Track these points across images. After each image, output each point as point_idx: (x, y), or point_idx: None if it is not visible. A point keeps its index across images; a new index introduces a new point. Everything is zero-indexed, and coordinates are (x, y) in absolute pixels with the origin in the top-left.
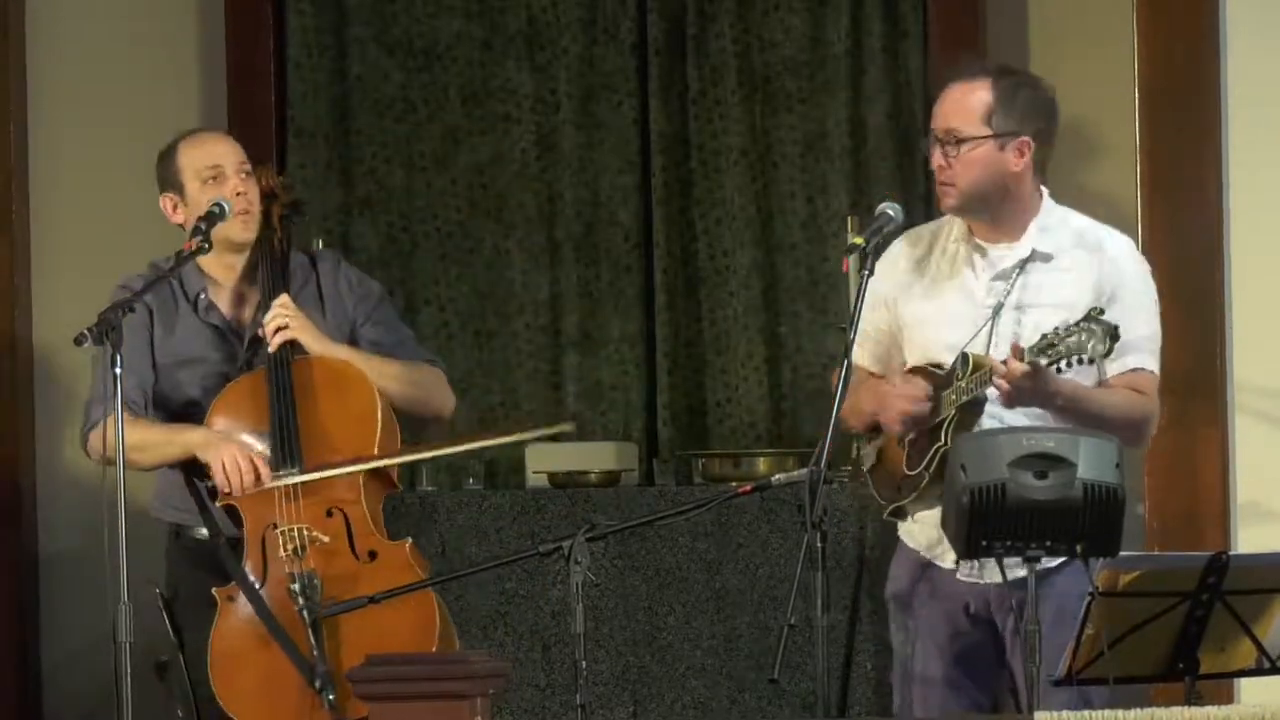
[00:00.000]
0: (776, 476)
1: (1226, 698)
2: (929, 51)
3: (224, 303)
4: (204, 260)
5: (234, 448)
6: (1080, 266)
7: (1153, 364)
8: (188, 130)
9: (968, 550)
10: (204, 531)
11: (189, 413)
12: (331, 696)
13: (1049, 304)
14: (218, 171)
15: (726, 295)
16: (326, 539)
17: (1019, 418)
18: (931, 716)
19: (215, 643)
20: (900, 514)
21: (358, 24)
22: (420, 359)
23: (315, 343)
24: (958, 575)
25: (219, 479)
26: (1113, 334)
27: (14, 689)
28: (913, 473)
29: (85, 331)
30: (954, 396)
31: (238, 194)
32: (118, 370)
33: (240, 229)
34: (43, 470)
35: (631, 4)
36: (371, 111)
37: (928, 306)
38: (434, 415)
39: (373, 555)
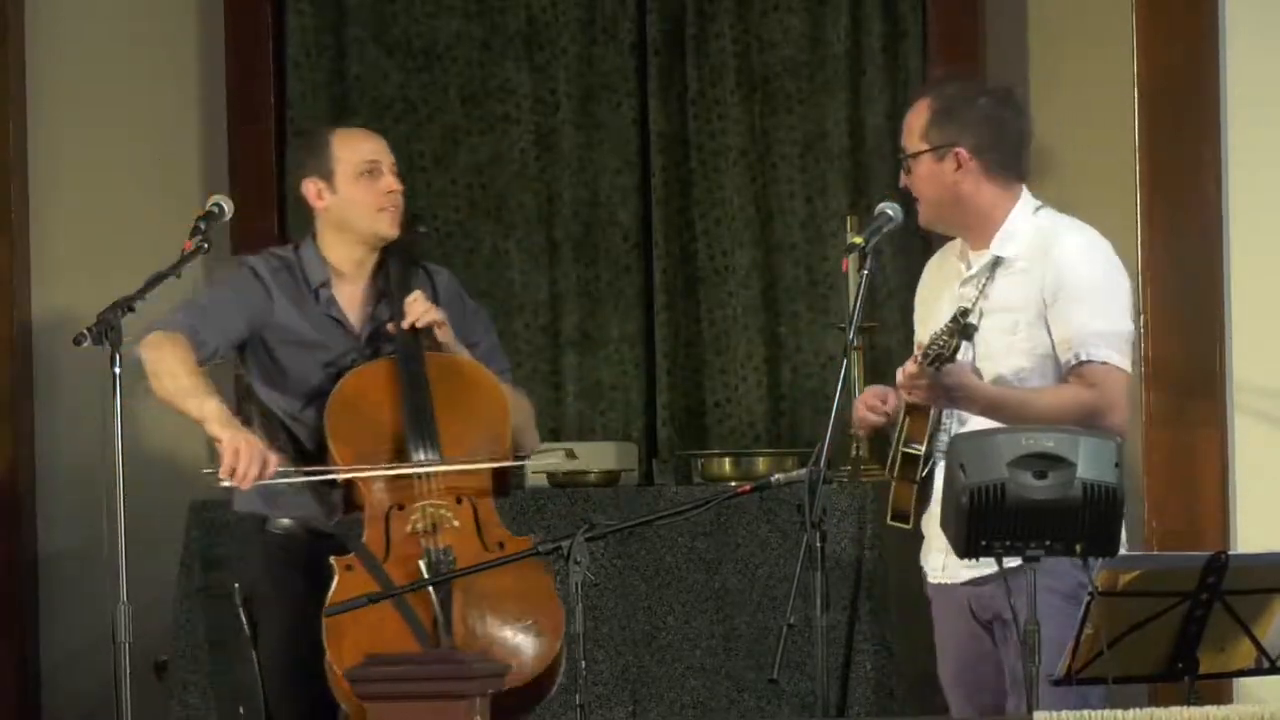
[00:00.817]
0: (776, 476)
1: (1226, 698)
2: (928, 52)
3: (344, 297)
4: (335, 253)
5: (249, 437)
6: (1033, 268)
7: (1106, 355)
8: (335, 124)
9: (967, 550)
10: (287, 522)
11: (309, 395)
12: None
13: (1001, 308)
14: (374, 166)
15: (726, 295)
16: (458, 523)
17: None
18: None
19: (337, 621)
20: (901, 518)
21: (357, 24)
22: (520, 392)
23: (450, 336)
24: (928, 579)
25: (226, 462)
26: (963, 330)
27: (14, 689)
28: (886, 477)
29: (85, 331)
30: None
31: (390, 192)
32: (117, 370)
33: (388, 224)
34: (43, 470)
35: (631, 4)
36: (371, 111)
37: (926, 314)
38: (520, 447)
39: (501, 546)
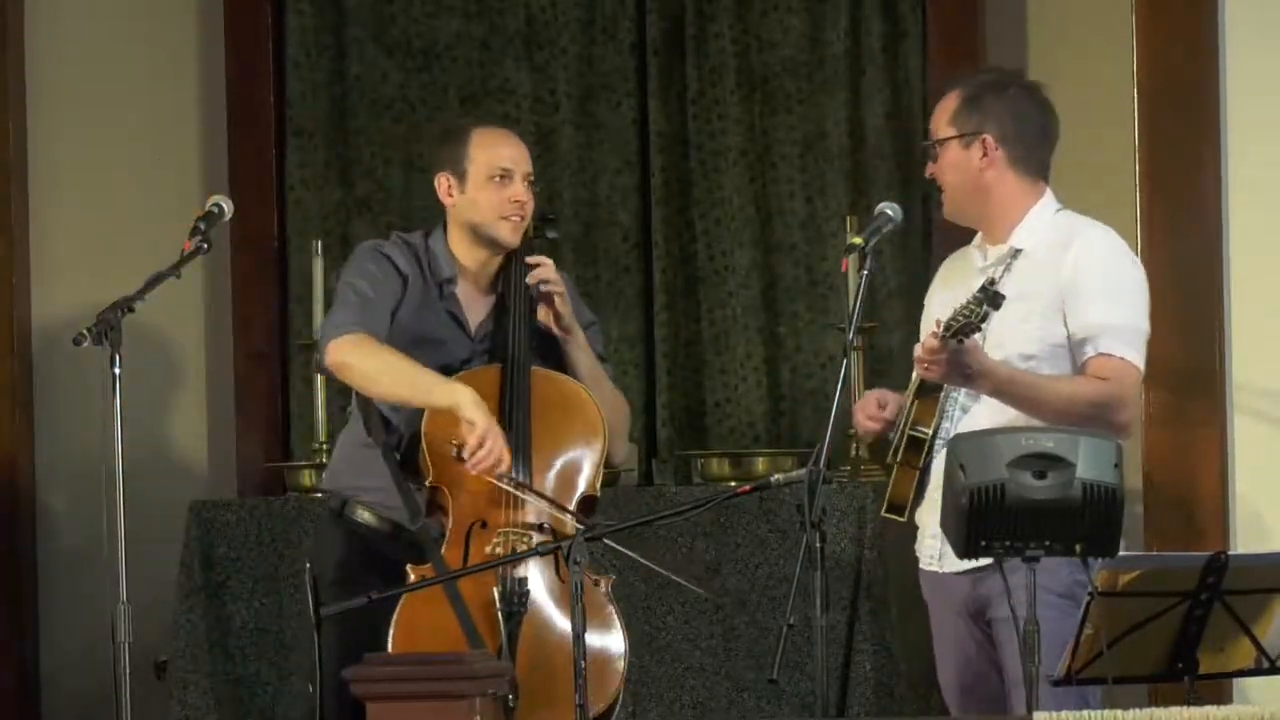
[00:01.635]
0: (775, 476)
1: (1226, 698)
2: (928, 51)
3: (465, 295)
4: (463, 252)
5: (500, 429)
6: (1052, 259)
7: (1123, 350)
8: (481, 119)
9: (967, 550)
10: (367, 515)
11: None
12: (511, 698)
13: (1016, 297)
14: (507, 173)
15: (725, 295)
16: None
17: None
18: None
19: (403, 612)
20: (895, 509)
21: (356, 24)
22: (618, 393)
23: (567, 308)
24: (921, 566)
25: (470, 445)
26: (991, 299)
27: (14, 689)
28: (887, 462)
29: (85, 331)
30: (913, 383)
31: (516, 201)
32: (117, 370)
33: (510, 233)
34: (42, 470)
35: (630, 4)
36: (370, 111)
37: (941, 305)
38: (613, 455)
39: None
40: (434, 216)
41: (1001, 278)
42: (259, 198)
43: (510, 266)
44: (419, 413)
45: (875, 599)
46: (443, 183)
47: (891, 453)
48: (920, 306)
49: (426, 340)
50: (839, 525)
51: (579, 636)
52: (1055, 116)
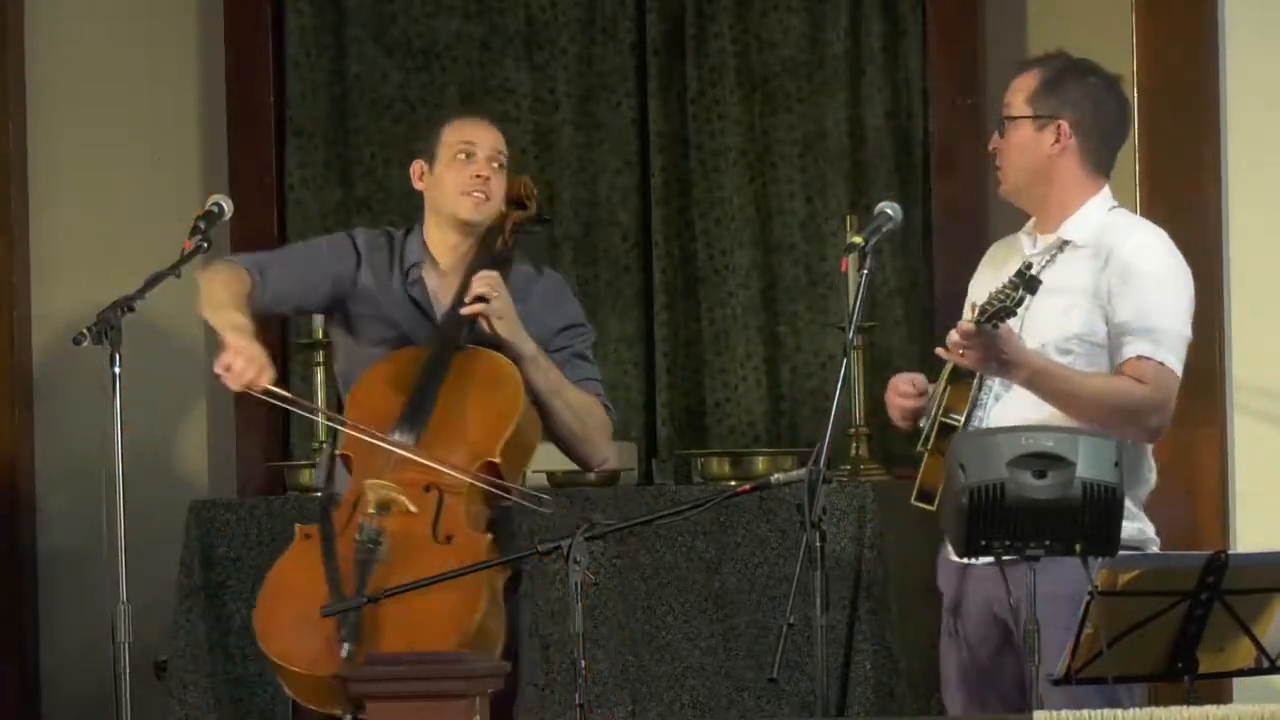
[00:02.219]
0: (775, 476)
1: (1225, 697)
2: (928, 51)
3: (432, 281)
4: (433, 237)
5: (258, 348)
6: (1099, 255)
7: (1162, 354)
8: (466, 111)
9: (967, 550)
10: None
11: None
12: (349, 646)
13: (1059, 289)
14: (470, 149)
15: (725, 295)
16: (414, 509)
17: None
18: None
19: (273, 573)
20: (926, 498)
21: (356, 24)
22: (598, 402)
23: (508, 330)
24: (948, 556)
25: (224, 359)
26: (1028, 283)
27: (14, 689)
28: (918, 450)
29: (85, 331)
30: (945, 370)
31: (477, 176)
32: (117, 370)
33: (469, 208)
34: (42, 470)
35: (630, 4)
36: (370, 111)
37: (983, 290)
38: (581, 456)
39: (449, 539)
40: None
41: (1045, 266)
42: (259, 198)
43: (476, 258)
44: None
45: (875, 599)
46: (416, 169)
47: (922, 440)
48: (920, 305)
49: (383, 320)
50: (839, 525)
51: (578, 635)
52: (1130, 110)
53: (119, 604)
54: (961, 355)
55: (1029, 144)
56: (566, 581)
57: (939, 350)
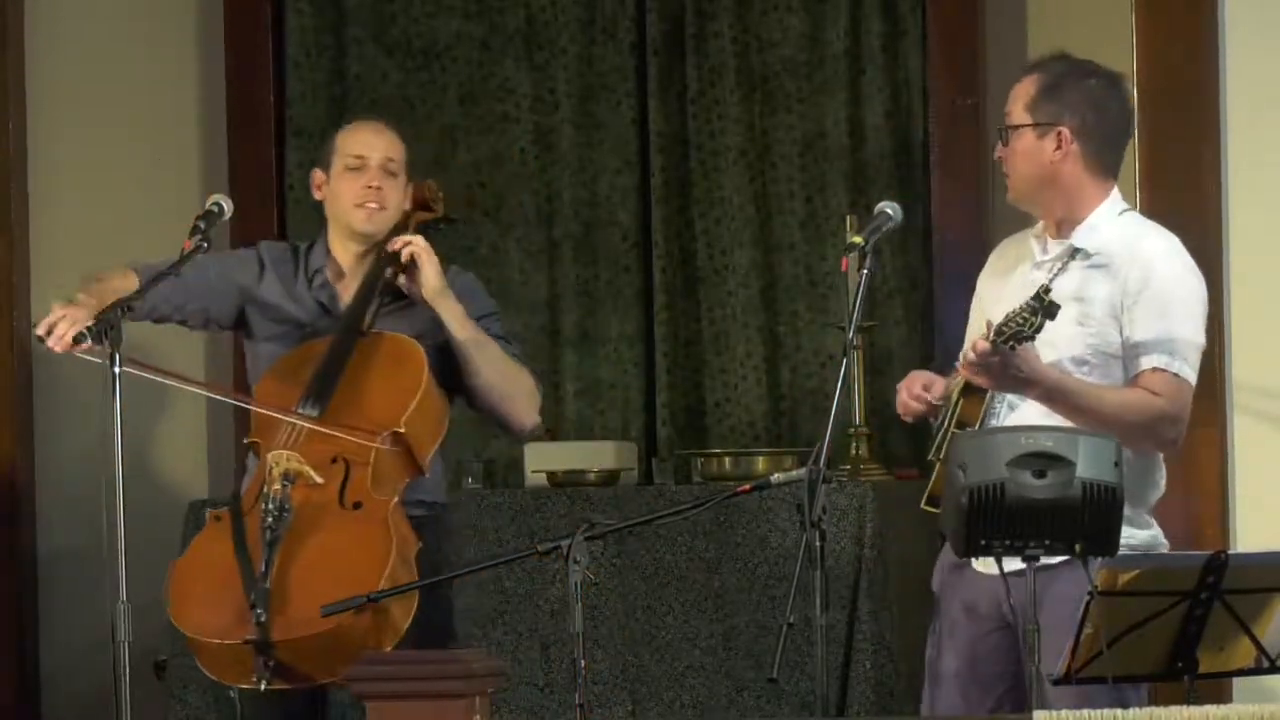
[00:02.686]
0: (775, 476)
1: (1225, 697)
2: (928, 51)
3: (337, 285)
4: (338, 248)
5: (79, 307)
6: (1111, 265)
7: (1177, 365)
8: (359, 115)
9: (967, 549)
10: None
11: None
12: (259, 612)
13: (1073, 299)
14: (361, 162)
15: (725, 295)
16: (320, 480)
17: (1033, 411)
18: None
19: (184, 555)
20: (934, 502)
21: (356, 24)
22: (519, 365)
23: (436, 277)
24: (973, 565)
25: (46, 320)
26: (1047, 310)
27: (14, 689)
28: (929, 458)
29: (84, 331)
30: (957, 380)
31: (369, 187)
32: (117, 370)
33: (362, 219)
34: (42, 470)
35: (630, 3)
36: (370, 111)
37: (995, 296)
38: (511, 417)
39: (357, 505)
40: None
41: (1057, 274)
42: (259, 198)
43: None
44: None
45: (875, 599)
46: (316, 179)
47: (935, 449)
48: (920, 305)
49: (286, 321)
50: (839, 525)
51: (578, 635)
52: (1132, 109)
53: (119, 604)
54: (975, 375)
55: (1032, 152)
56: (566, 581)
57: (959, 366)
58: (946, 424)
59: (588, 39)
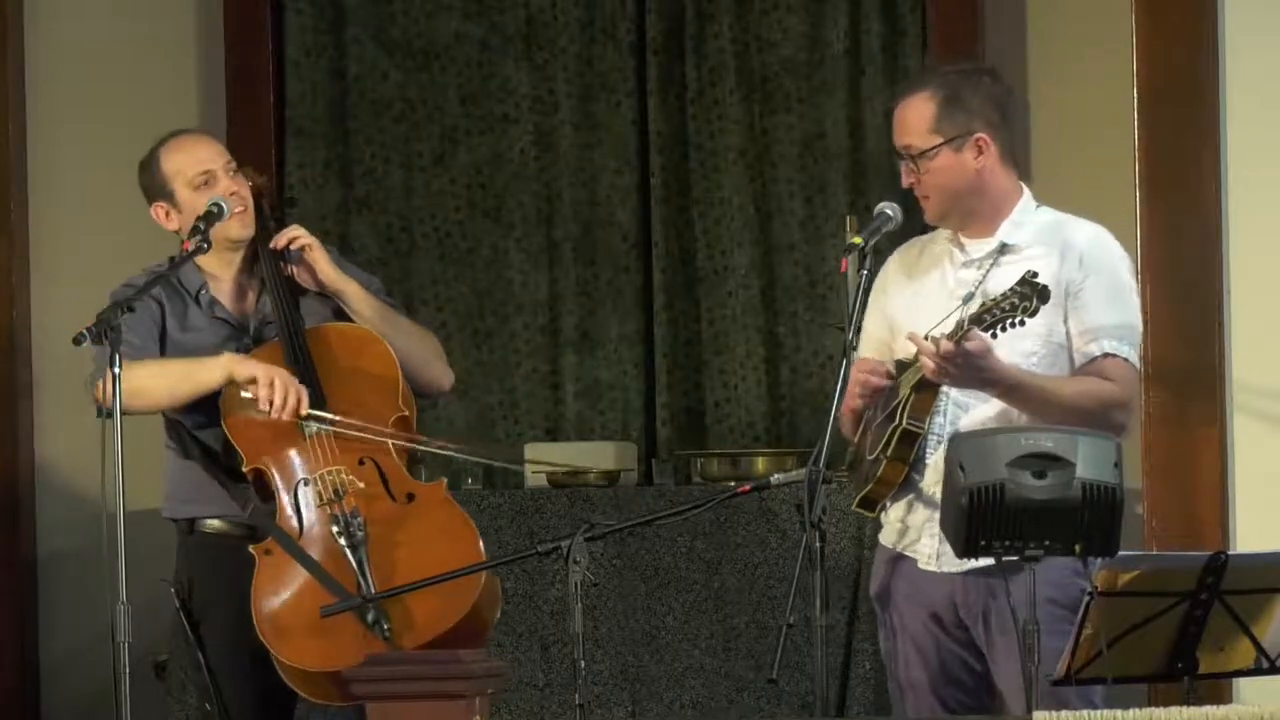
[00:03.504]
0: (775, 476)
1: (1225, 698)
2: (928, 51)
3: (225, 297)
4: (207, 261)
5: (282, 370)
6: (1047, 256)
7: (1127, 351)
8: (165, 136)
9: (966, 550)
10: (216, 523)
11: (208, 406)
12: (386, 626)
13: None
14: (209, 176)
15: (725, 295)
16: (363, 485)
17: (983, 404)
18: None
19: (257, 598)
20: (868, 504)
21: (356, 24)
22: (418, 326)
23: (327, 264)
24: (919, 566)
25: (263, 394)
26: (1041, 293)
27: (14, 689)
28: (872, 457)
29: (84, 331)
30: (909, 376)
31: (232, 194)
32: (117, 370)
33: (239, 227)
34: (42, 470)
35: (630, 4)
36: (370, 111)
37: (909, 301)
38: (434, 380)
39: (410, 497)
40: (434, 216)
41: (988, 271)
42: None
43: (258, 258)
44: (207, 421)
45: None
46: (159, 213)
47: (882, 445)
48: None
49: (197, 350)
50: (839, 525)
51: (577, 635)
52: (1015, 99)
53: (119, 604)
54: (937, 372)
55: (953, 168)
56: (566, 581)
57: (923, 366)
58: (898, 420)
59: (587, 39)
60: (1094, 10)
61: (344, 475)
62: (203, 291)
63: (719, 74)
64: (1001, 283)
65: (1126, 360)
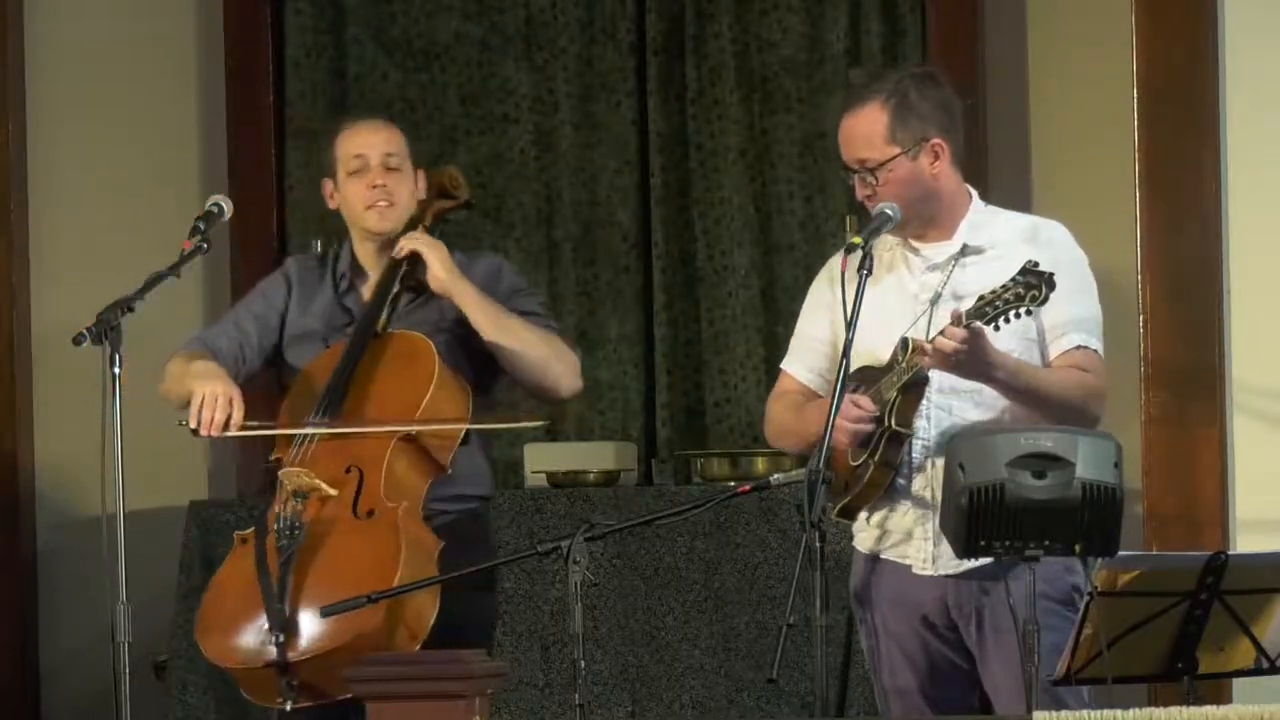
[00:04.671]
0: (775, 476)
1: (1225, 698)
2: (927, 52)
3: (368, 289)
4: (361, 252)
5: (219, 386)
6: (1015, 254)
7: (1096, 343)
8: (351, 116)
9: (966, 550)
10: None
11: None
12: (277, 634)
13: (980, 290)
14: (362, 163)
15: (725, 295)
16: (334, 492)
17: (968, 408)
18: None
19: (214, 579)
20: (849, 513)
21: (356, 24)
22: (551, 335)
23: (441, 267)
24: (912, 570)
25: (192, 411)
26: (1048, 281)
27: (14, 689)
28: (856, 463)
29: (84, 331)
30: (895, 379)
31: (374, 186)
32: (117, 370)
33: (375, 220)
34: (42, 470)
35: (630, 4)
36: (370, 111)
37: (865, 308)
38: (550, 386)
39: (371, 514)
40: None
41: (952, 274)
42: (259, 198)
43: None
44: None
45: None
46: (327, 189)
47: (869, 450)
48: None
49: (309, 334)
50: (839, 525)
51: (577, 635)
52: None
53: (119, 604)
54: (950, 359)
55: (912, 176)
56: (566, 581)
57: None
58: (886, 423)
59: (587, 39)
60: (1094, 10)
61: (308, 479)
62: (343, 277)
63: (719, 74)
64: (970, 283)
65: (1097, 352)
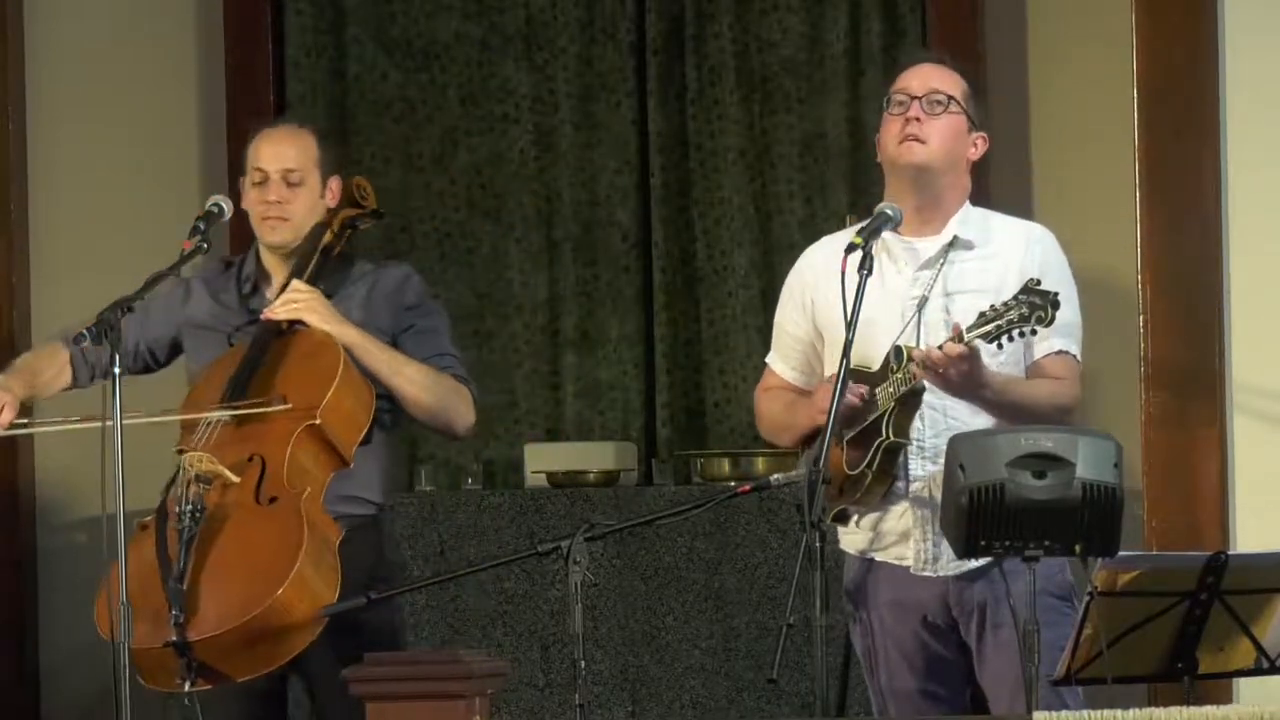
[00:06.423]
0: (775, 476)
1: (1225, 698)
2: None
3: (269, 293)
4: (262, 253)
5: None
6: (1005, 252)
7: (1074, 348)
8: (270, 123)
9: (966, 550)
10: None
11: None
12: (176, 613)
13: (974, 289)
14: (262, 176)
15: (725, 295)
16: (235, 479)
17: (963, 410)
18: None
19: (114, 565)
20: (843, 518)
21: (356, 24)
22: (446, 373)
23: (322, 321)
24: (910, 571)
25: None
26: (1053, 301)
27: (13, 688)
28: (854, 472)
29: (84, 331)
30: (891, 389)
31: (267, 201)
32: (117, 370)
33: (268, 233)
34: (42, 470)
35: (630, 4)
36: (370, 112)
37: (835, 298)
38: (444, 425)
39: (273, 500)
40: (434, 216)
41: (941, 269)
42: None
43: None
44: None
45: None
46: (241, 186)
47: (867, 461)
48: None
49: (208, 327)
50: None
51: (577, 635)
52: None
53: (119, 604)
54: (942, 376)
55: (961, 137)
56: (566, 581)
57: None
58: (884, 434)
59: (587, 39)
60: (1094, 10)
61: (211, 464)
62: (248, 280)
63: (719, 74)
64: (960, 280)
65: (1076, 357)
